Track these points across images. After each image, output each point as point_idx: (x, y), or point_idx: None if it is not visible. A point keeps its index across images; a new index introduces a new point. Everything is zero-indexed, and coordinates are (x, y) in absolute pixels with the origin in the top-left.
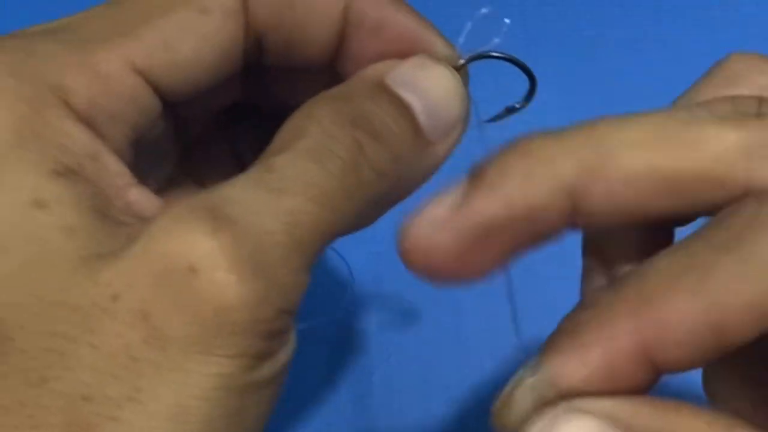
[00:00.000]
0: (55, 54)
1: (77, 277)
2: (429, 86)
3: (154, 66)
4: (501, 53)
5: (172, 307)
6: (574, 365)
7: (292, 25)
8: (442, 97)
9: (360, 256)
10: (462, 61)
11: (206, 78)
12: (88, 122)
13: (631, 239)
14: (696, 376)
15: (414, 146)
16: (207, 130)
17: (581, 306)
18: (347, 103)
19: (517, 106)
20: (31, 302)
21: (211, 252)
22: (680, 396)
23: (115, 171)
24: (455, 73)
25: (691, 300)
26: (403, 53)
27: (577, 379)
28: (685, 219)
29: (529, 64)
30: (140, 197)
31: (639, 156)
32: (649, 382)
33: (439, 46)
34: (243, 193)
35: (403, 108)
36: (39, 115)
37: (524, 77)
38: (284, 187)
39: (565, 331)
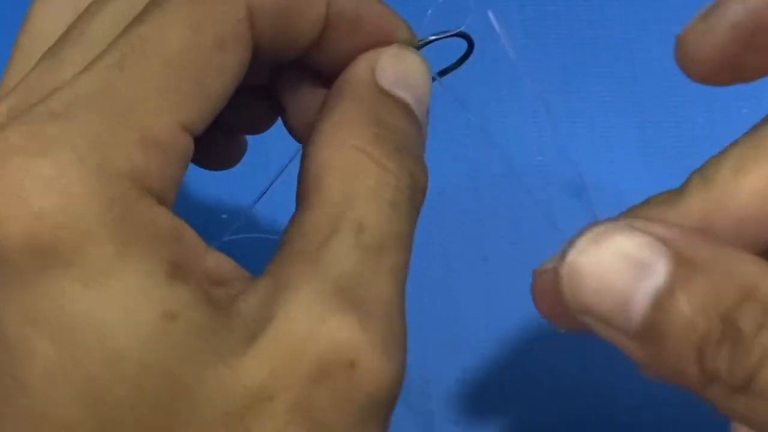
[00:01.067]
0: (114, 134)
1: (223, 382)
2: (414, 78)
3: (194, 116)
4: (446, 32)
5: (333, 399)
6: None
7: (285, 33)
8: (422, 84)
9: None
10: (420, 42)
11: (223, 105)
12: (162, 200)
13: None
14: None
15: (422, 142)
16: None
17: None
18: (380, 125)
19: (453, 66)
20: (181, 414)
21: (365, 344)
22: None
23: (194, 243)
24: (421, 55)
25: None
26: (375, 42)
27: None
28: None
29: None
30: (214, 262)
31: None
32: None
33: (403, 31)
34: (355, 266)
35: (409, 111)
36: (132, 213)
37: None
38: (381, 245)
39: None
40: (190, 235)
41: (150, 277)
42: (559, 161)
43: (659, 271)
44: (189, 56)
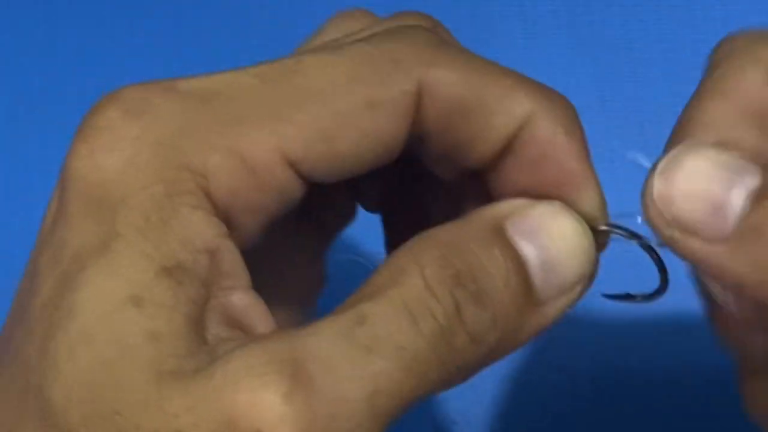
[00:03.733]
0: (205, 131)
1: (147, 396)
2: (553, 239)
3: (307, 158)
4: (644, 239)
5: None
6: None
7: (458, 133)
8: (565, 253)
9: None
10: (604, 227)
11: (357, 170)
12: (220, 213)
13: None
14: None
15: (521, 307)
16: None
17: None
18: (456, 253)
19: (638, 298)
20: (97, 404)
21: (281, 418)
22: None
23: (226, 271)
24: (588, 231)
25: None
26: (551, 189)
27: None
28: None
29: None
30: (241, 302)
31: None
32: None
33: (589, 198)
34: (328, 347)
35: (518, 263)
36: (171, 201)
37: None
38: (373, 347)
39: None
40: (227, 261)
41: (144, 261)
42: None
43: (753, 175)
44: (325, 100)
